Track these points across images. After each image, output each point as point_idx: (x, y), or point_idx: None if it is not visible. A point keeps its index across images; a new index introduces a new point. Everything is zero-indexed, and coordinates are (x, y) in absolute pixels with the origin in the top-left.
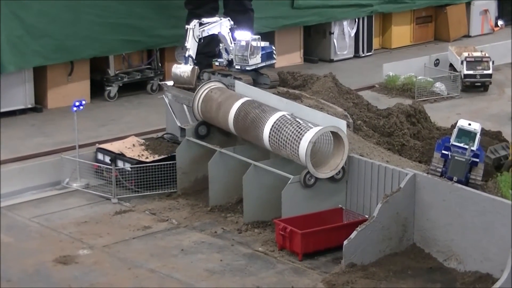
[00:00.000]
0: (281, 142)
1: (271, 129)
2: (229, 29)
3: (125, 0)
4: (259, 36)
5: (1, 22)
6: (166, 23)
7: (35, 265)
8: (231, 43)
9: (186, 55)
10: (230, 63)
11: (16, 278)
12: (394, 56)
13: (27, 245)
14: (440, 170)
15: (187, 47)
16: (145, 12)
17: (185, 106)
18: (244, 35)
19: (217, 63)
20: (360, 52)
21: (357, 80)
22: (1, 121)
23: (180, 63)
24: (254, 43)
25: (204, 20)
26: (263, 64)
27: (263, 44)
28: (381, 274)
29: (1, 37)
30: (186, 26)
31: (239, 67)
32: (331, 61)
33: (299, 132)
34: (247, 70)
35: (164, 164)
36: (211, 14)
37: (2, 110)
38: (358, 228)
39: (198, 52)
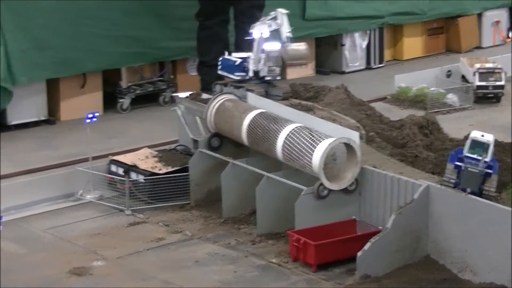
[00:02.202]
0: (294, 153)
1: (284, 140)
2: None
3: (132, 13)
4: None
5: (11, 35)
6: (177, 35)
7: (49, 276)
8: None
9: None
10: (255, 74)
11: None
12: (406, 67)
13: (40, 257)
14: (453, 181)
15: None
16: (155, 24)
17: (197, 118)
18: (274, 46)
19: (237, 77)
20: (372, 64)
21: (369, 92)
22: (14, 134)
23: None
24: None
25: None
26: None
27: None
28: (395, 286)
29: (13, 49)
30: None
31: (269, 78)
32: (343, 72)
33: (312, 144)
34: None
35: (177, 176)
36: (222, 26)
37: (15, 122)
38: (371, 239)
39: None
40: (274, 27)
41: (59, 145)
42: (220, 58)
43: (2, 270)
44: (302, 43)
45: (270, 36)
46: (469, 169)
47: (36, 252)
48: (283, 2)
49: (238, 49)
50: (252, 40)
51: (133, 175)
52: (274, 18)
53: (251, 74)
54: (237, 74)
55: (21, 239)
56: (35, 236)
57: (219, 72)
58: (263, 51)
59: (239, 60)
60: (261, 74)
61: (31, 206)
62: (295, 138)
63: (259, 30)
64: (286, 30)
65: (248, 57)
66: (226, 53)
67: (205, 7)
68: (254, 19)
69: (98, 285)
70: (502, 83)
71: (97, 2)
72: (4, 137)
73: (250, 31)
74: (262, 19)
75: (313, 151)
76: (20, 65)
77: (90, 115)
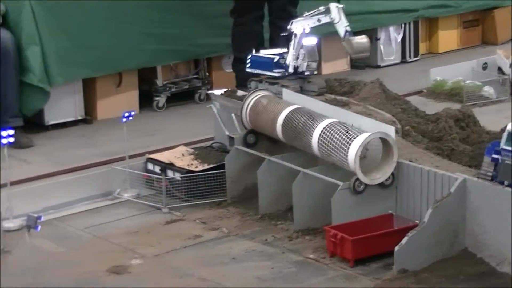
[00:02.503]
0: (330, 149)
1: (319, 136)
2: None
3: (170, 9)
4: None
5: (48, 35)
6: (211, 32)
7: (88, 274)
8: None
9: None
10: (295, 70)
11: None
12: (441, 60)
13: (79, 255)
14: (490, 174)
15: (291, 54)
16: (190, 21)
17: (233, 115)
18: (312, 40)
19: (277, 74)
20: (407, 57)
21: (405, 86)
22: (51, 134)
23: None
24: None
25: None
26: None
27: None
28: (433, 280)
29: (49, 49)
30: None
31: (308, 73)
32: (378, 67)
33: (347, 139)
34: (308, 76)
35: (213, 173)
36: (257, 22)
37: (53, 122)
38: (408, 233)
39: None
40: (324, 21)
41: (96, 144)
42: (249, 56)
43: (40, 268)
44: (364, 36)
45: (310, 31)
46: (506, 161)
47: (74, 250)
48: None
49: (273, 46)
50: (289, 36)
51: (170, 173)
52: (326, 12)
53: (291, 70)
54: (276, 71)
55: (59, 238)
56: (73, 235)
57: (248, 70)
58: (302, 46)
59: (277, 57)
60: (300, 69)
61: (69, 205)
62: (331, 133)
63: (301, 25)
64: (344, 24)
65: (283, 53)
66: (254, 50)
67: (240, 4)
68: (289, 15)
69: (136, 283)
70: None
71: (134, 1)
72: (42, 137)
73: (289, 26)
74: (306, 14)
75: (348, 146)
76: (57, 65)
77: (127, 114)
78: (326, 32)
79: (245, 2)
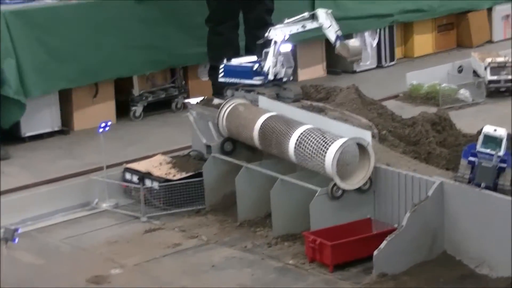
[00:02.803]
0: (306, 155)
1: (296, 142)
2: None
3: (146, 21)
4: None
5: (24, 48)
6: (188, 42)
7: (68, 285)
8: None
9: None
10: (274, 77)
11: None
12: (417, 64)
13: (59, 267)
14: (467, 177)
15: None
16: (166, 31)
17: (210, 123)
18: (287, 47)
19: (258, 82)
20: (383, 62)
21: (381, 90)
22: (28, 145)
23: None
24: None
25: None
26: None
27: None
28: (413, 283)
29: (26, 61)
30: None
31: (286, 79)
32: (354, 72)
33: (324, 145)
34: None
35: (191, 181)
36: (232, 31)
37: (30, 134)
38: (387, 237)
39: None
40: (310, 27)
41: (74, 155)
42: (221, 66)
43: (20, 281)
44: (355, 39)
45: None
46: (482, 164)
47: (54, 262)
48: (292, 2)
49: (249, 54)
50: (266, 43)
51: (148, 182)
52: (312, 18)
53: (271, 77)
54: (256, 78)
55: (38, 250)
56: (52, 246)
57: (221, 79)
58: (279, 53)
59: (255, 65)
60: (278, 76)
61: (47, 216)
62: (308, 140)
63: (282, 32)
64: (335, 29)
65: (258, 61)
66: (225, 60)
67: (216, 13)
68: (265, 24)
69: None
70: None
71: (113, 12)
72: (19, 148)
73: (267, 33)
74: (287, 21)
75: (325, 152)
76: (33, 77)
77: (103, 124)
78: (301, 39)
79: (220, 11)
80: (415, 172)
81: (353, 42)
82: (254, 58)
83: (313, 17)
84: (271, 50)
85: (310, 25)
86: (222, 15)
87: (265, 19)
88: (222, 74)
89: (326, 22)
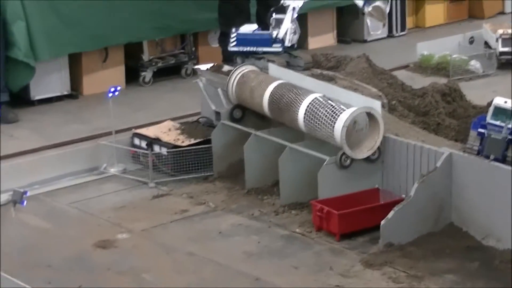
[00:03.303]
0: (316, 124)
1: (305, 111)
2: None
3: None
4: None
5: (35, 11)
6: (198, 8)
7: (75, 249)
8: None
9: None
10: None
11: (56, 264)
12: (428, 35)
13: (66, 231)
14: (476, 148)
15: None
16: None
17: (219, 89)
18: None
19: (278, 49)
20: (394, 32)
21: (391, 60)
22: (37, 109)
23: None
24: None
25: None
26: None
27: None
28: (419, 254)
29: (35, 25)
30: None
31: (296, 46)
32: (365, 41)
33: (333, 114)
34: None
35: (200, 148)
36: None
37: (39, 97)
38: (395, 208)
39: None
40: None
41: (82, 120)
42: (233, 35)
43: (27, 245)
44: (380, 1)
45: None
46: (492, 135)
47: (61, 226)
48: None
49: (260, 21)
50: (283, 9)
51: (156, 148)
52: None
53: (288, 43)
54: (276, 45)
55: (46, 214)
56: (60, 210)
57: (234, 48)
58: (295, 19)
59: (274, 32)
60: (292, 42)
61: (55, 180)
62: (317, 108)
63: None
64: None
65: (261, 28)
66: (234, 29)
67: None
68: None
69: (123, 258)
70: None
71: None
72: (28, 112)
73: (284, 0)
74: None
75: (335, 121)
76: (43, 40)
77: (113, 89)
78: (311, 7)
79: None
80: (423, 143)
81: (382, 3)
82: (255, 26)
83: None
84: (288, 16)
85: None
86: None
87: None
88: (234, 43)
89: None
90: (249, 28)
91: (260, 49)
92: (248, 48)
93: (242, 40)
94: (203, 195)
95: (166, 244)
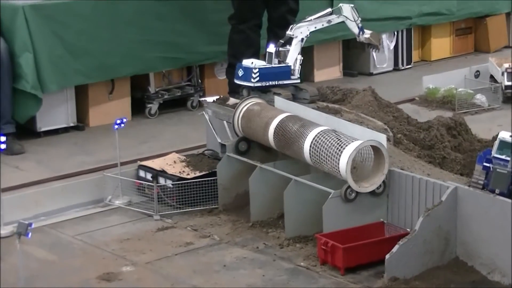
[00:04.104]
0: (321, 157)
1: (311, 144)
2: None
3: (164, 17)
4: None
5: (42, 42)
6: (206, 40)
7: (79, 282)
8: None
9: (295, 67)
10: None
11: None
12: (434, 68)
13: (71, 263)
14: (482, 182)
15: (297, 59)
16: (185, 28)
17: (225, 122)
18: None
19: (295, 81)
20: (400, 65)
21: (397, 93)
22: (43, 140)
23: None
24: None
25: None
26: None
27: None
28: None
29: (43, 56)
30: (288, 33)
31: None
32: (371, 74)
33: (339, 147)
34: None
35: (205, 180)
36: (254, 31)
37: (45, 129)
38: (399, 241)
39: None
40: (336, 22)
41: (88, 151)
42: (256, 70)
43: (31, 276)
44: (367, 30)
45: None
46: (497, 170)
47: (66, 258)
48: (310, 3)
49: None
50: (290, 41)
51: (161, 180)
52: (336, 13)
53: (298, 75)
54: (293, 77)
55: (51, 245)
56: (65, 242)
57: (258, 84)
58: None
59: (291, 64)
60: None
61: (60, 212)
62: (322, 141)
63: (307, 29)
64: (357, 22)
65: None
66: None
67: (240, 11)
68: (287, 24)
69: None
70: None
71: (132, 7)
72: (34, 143)
73: (290, 32)
74: (310, 18)
75: (340, 154)
76: (50, 72)
77: (119, 121)
78: (318, 40)
79: (245, 10)
80: (429, 177)
81: (370, 32)
82: (262, 62)
83: (337, 11)
84: (296, 47)
85: (336, 19)
86: (247, 14)
87: (289, 19)
88: (257, 79)
89: (353, 15)
90: (248, 62)
91: (281, 82)
92: (270, 82)
93: (265, 74)
94: (208, 228)
95: (171, 277)
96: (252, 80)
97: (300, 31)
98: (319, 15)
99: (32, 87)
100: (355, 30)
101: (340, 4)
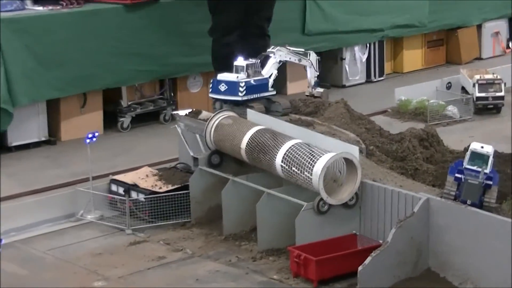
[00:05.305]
0: (293, 170)
1: (283, 157)
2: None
3: (138, 29)
4: None
5: (13, 56)
6: (180, 52)
7: None
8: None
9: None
10: None
11: None
12: (406, 80)
13: (42, 278)
14: (453, 193)
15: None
16: (158, 41)
17: (197, 135)
18: None
19: (271, 93)
20: (372, 77)
21: (369, 105)
22: (15, 155)
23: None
24: None
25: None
26: None
27: None
28: None
29: (14, 70)
30: (269, 50)
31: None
32: (343, 86)
33: (311, 160)
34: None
35: (177, 194)
36: (238, 42)
37: (16, 143)
38: (372, 253)
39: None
40: (303, 63)
41: (60, 166)
42: (243, 84)
43: None
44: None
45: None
46: (469, 181)
47: (38, 273)
48: (282, 16)
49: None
50: (266, 58)
51: (134, 194)
52: (306, 56)
53: (272, 89)
54: (271, 90)
55: (22, 261)
56: (36, 257)
57: (244, 98)
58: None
59: (267, 78)
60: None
61: (32, 227)
62: (295, 154)
63: (286, 56)
64: (315, 75)
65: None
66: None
67: (222, 23)
68: (263, 33)
69: None
70: (502, 94)
71: (105, 20)
72: (5, 158)
73: (273, 51)
74: (289, 48)
75: (312, 166)
76: (21, 85)
77: (90, 135)
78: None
79: (227, 21)
80: (401, 188)
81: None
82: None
83: (307, 54)
84: (274, 65)
85: (304, 62)
86: (230, 25)
87: (264, 28)
88: (244, 92)
89: (315, 65)
90: (228, 76)
91: (262, 94)
92: (254, 96)
93: (250, 88)
94: (181, 242)
95: None
96: (240, 94)
97: (279, 54)
98: (295, 50)
99: (3, 101)
100: (312, 81)
101: (311, 52)
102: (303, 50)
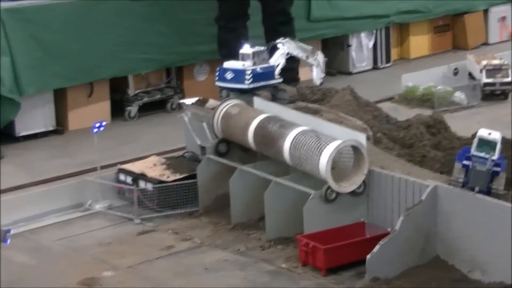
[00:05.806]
0: (301, 157)
1: (290, 144)
2: None
3: (144, 18)
4: None
5: (19, 45)
6: (186, 40)
7: (60, 287)
8: None
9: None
10: None
11: None
12: (413, 66)
13: (51, 268)
14: (461, 180)
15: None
16: (165, 29)
17: (204, 124)
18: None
19: (278, 81)
20: (379, 64)
21: (376, 92)
22: (22, 145)
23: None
24: None
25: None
26: None
27: None
28: (405, 287)
29: (20, 59)
30: (278, 41)
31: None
32: (350, 73)
33: (318, 147)
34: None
35: (185, 183)
36: (244, 27)
37: (24, 133)
38: (380, 241)
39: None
40: (310, 62)
41: (67, 155)
42: (249, 71)
43: (12, 281)
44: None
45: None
46: (476, 168)
47: (46, 263)
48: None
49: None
50: (275, 48)
51: (142, 184)
52: (314, 55)
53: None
54: (277, 77)
55: (31, 251)
56: (45, 247)
57: (251, 85)
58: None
59: (273, 66)
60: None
61: (40, 217)
62: (302, 142)
63: (296, 50)
64: (321, 76)
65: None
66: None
67: (228, 10)
68: (289, 18)
69: None
70: (509, 79)
71: (111, 8)
72: (13, 148)
73: (283, 44)
74: (299, 43)
75: (320, 154)
76: (28, 75)
77: (98, 124)
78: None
79: (233, 8)
80: (409, 175)
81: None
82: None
83: (314, 52)
84: (282, 56)
85: (312, 61)
86: (235, 11)
87: (289, 12)
88: (250, 80)
89: (322, 66)
90: (234, 64)
91: (268, 82)
92: (261, 83)
93: (256, 75)
94: (189, 231)
95: (152, 280)
96: (246, 82)
97: (288, 46)
98: (304, 46)
99: (9, 91)
100: (317, 82)
101: (319, 52)
102: (311, 48)
